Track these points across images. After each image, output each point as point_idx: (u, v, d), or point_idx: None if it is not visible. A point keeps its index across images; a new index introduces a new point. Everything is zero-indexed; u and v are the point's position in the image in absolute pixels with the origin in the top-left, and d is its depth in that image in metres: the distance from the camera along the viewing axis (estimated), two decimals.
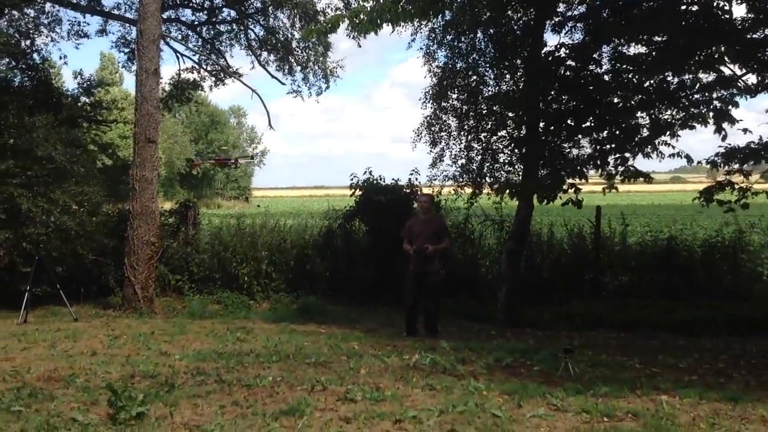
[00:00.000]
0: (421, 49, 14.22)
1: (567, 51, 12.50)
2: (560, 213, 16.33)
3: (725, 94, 12.24)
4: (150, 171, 13.85)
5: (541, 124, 12.38)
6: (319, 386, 6.53)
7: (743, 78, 12.11)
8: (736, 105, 12.07)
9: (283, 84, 20.10)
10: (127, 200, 15.67)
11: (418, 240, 10.65)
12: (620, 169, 12.42)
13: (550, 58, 12.49)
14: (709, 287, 14.40)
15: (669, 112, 12.39)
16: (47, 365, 7.63)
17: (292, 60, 20.26)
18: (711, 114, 11.95)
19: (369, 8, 9.23)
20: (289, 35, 19.86)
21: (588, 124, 12.45)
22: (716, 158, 12.09)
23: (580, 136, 12.09)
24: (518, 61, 13.34)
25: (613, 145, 12.39)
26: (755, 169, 12.87)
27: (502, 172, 13.37)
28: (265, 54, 20.61)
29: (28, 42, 15.43)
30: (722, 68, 12.10)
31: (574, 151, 12.30)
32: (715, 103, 12.14)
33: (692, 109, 12.10)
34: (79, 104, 16.15)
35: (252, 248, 16.51)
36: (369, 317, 12.87)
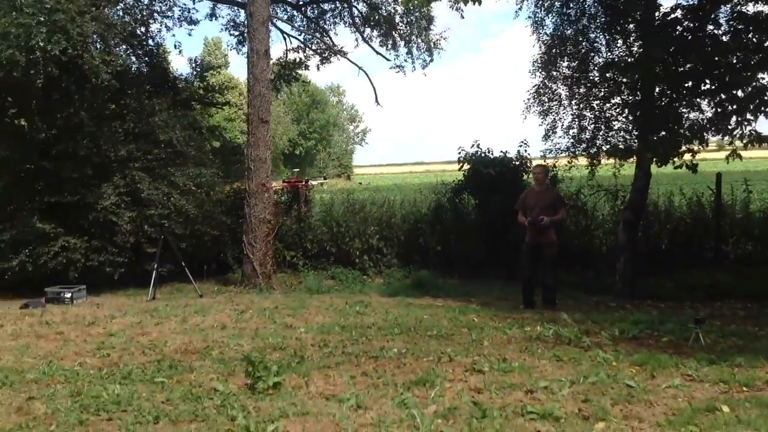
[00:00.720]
0: (529, 17, 13.97)
1: (683, 12, 12.00)
2: (677, 181, 15.86)
3: None
4: (264, 150, 14.17)
5: (658, 89, 11.96)
6: (445, 358, 6.58)
7: None
8: None
9: (388, 60, 20.06)
10: (240, 180, 16.16)
11: (533, 212, 10.54)
12: (743, 132, 11.88)
13: (666, 20, 12.04)
14: None
15: None
16: (182, 339, 7.95)
17: (396, 35, 20.25)
18: None
19: None
20: (392, 10, 19.86)
21: (707, 86, 11.96)
22: None
23: (699, 99, 11.61)
24: (631, 26, 12.93)
25: (734, 107, 11.87)
26: None
27: (618, 140, 13.02)
28: (368, 30, 20.69)
29: (143, 29, 15.89)
30: None
31: (693, 115, 11.79)
32: None
33: None
34: (193, 88, 16.54)
35: (363, 223, 16.70)
36: (482, 291, 12.82)
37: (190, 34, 24.53)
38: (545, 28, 13.84)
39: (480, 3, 9.17)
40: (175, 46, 27.27)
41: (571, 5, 13.14)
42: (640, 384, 5.50)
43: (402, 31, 20.10)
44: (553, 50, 13.62)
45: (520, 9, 13.90)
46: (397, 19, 19.73)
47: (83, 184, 13.31)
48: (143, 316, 9.71)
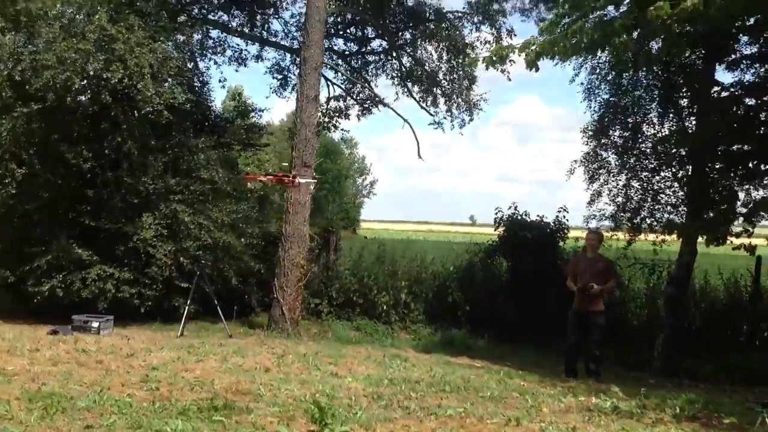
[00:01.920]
0: (582, 83, 14.01)
1: (742, 90, 11.99)
2: (714, 260, 15.67)
3: None
4: (304, 195, 14.14)
5: (712, 165, 11.89)
6: (513, 422, 6.34)
7: None
8: None
9: (432, 115, 20.11)
10: (272, 223, 16.12)
11: (583, 278, 10.37)
12: None
13: (723, 95, 12.02)
14: None
15: None
16: (229, 378, 7.74)
17: (437, 91, 20.37)
18: None
19: (540, 41, 9.13)
20: (435, 67, 20.01)
21: (763, 167, 11.88)
22: None
23: (755, 180, 11.52)
24: (684, 101, 12.93)
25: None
26: None
27: (664, 213, 12.92)
28: (408, 85, 20.83)
29: (190, 65, 16.01)
30: None
31: (748, 194, 11.69)
32: None
33: None
34: (234, 126, 16.59)
35: (392, 277, 16.58)
36: (517, 355, 12.61)
37: (237, 70, 24.74)
38: (598, 96, 13.84)
39: (537, 68, 9.20)
40: (219, 80, 27.53)
41: (625, 75, 13.12)
42: None
43: (445, 89, 20.20)
44: (605, 119, 13.59)
45: (576, 74, 13.94)
46: (441, 75, 19.84)
47: (124, 214, 13.24)
48: (180, 352, 9.51)
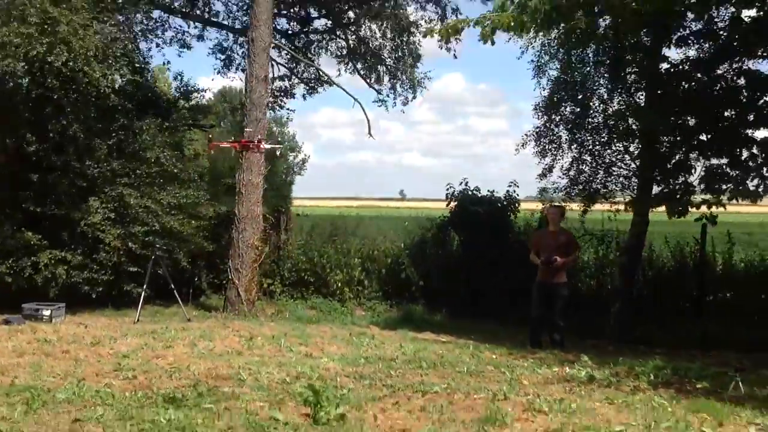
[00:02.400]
0: (532, 61, 14.09)
1: (691, 66, 12.22)
2: (661, 229, 16.03)
3: None
4: (256, 176, 13.95)
5: (665, 138, 12.12)
6: (500, 395, 6.39)
7: None
8: None
9: (379, 93, 19.97)
10: (221, 204, 15.85)
11: (547, 252, 10.50)
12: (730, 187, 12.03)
13: (672, 71, 12.25)
14: None
15: None
16: (204, 364, 7.61)
17: (381, 69, 20.23)
18: None
19: (495, 15, 9.15)
20: (380, 45, 19.85)
21: (704, 139, 12.14)
22: None
23: (705, 151, 11.80)
24: (633, 76, 13.14)
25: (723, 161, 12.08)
26: None
27: (616, 185, 13.17)
28: (352, 63, 20.62)
29: (131, 46, 15.53)
30: None
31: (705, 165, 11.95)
32: None
33: None
34: (177, 107, 16.16)
35: (345, 255, 16.52)
36: (476, 329, 12.66)
37: (179, 55, 24.05)
38: (547, 73, 13.96)
39: (493, 42, 9.22)
40: (164, 63, 26.83)
41: (574, 52, 13.25)
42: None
43: (389, 67, 20.08)
44: (555, 96, 13.73)
45: (523, 53, 14.02)
46: (385, 54, 19.71)
47: (70, 198, 12.83)
48: (146, 338, 9.33)
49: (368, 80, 20.54)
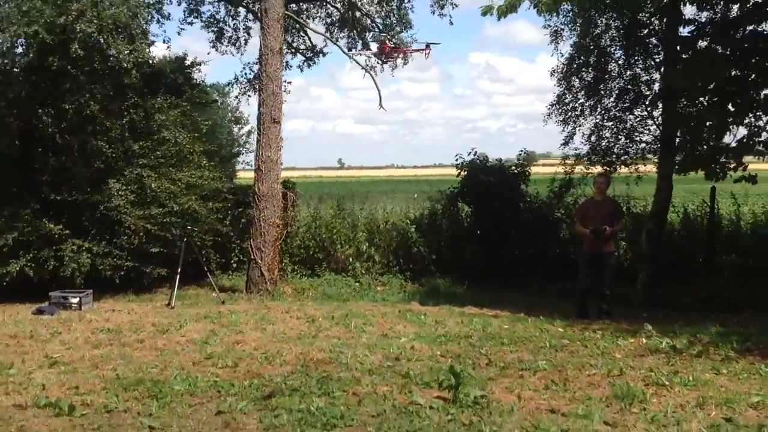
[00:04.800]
0: (548, 26, 14.08)
1: (713, 29, 12.31)
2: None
3: None
4: (275, 152, 13.72)
5: (698, 101, 12.23)
6: (615, 371, 6.45)
7: None
8: None
9: (359, 63, 19.70)
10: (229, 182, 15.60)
11: (594, 221, 10.56)
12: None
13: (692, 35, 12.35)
14: None
15: None
16: (294, 348, 7.52)
17: (367, 37, 20.02)
18: None
19: None
20: (370, 11, 19.65)
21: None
22: None
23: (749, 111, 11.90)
24: (653, 39, 13.23)
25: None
26: None
27: (638, 152, 13.32)
28: (336, 31, 20.34)
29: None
30: None
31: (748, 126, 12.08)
32: None
33: None
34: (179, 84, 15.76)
35: (352, 229, 16.46)
36: (507, 300, 12.64)
37: (179, 33, 23.15)
38: (564, 39, 13.99)
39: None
40: (164, 41, 26.08)
41: (595, 15, 13.25)
42: None
43: (375, 34, 19.87)
44: (574, 63, 13.76)
45: (550, 19, 13.95)
46: (378, 20, 19.51)
47: (89, 182, 12.50)
48: (208, 324, 9.20)
49: (353, 48, 20.27)
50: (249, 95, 19.47)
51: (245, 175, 20.39)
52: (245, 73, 19.45)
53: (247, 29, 19.17)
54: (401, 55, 13.13)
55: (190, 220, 13.69)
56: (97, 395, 5.81)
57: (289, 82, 24.07)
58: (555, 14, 13.70)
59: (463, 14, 17.04)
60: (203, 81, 16.75)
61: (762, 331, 8.75)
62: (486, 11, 9.43)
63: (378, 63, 19.07)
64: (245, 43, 19.16)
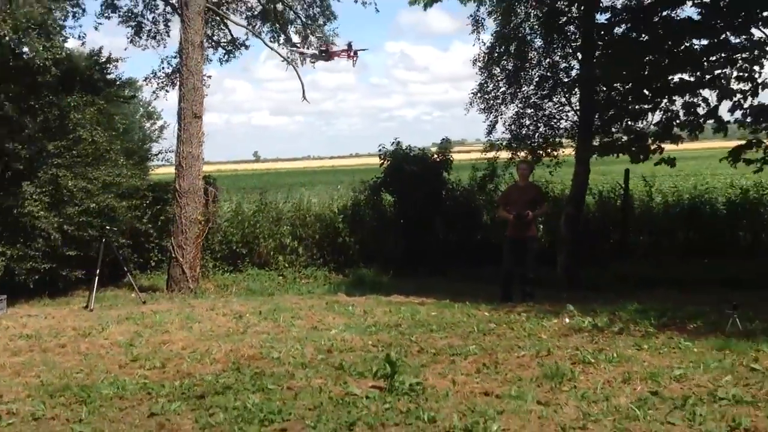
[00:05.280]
0: (470, 16, 14.22)
1: (626, 14, 12.68)
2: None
3: (752, 56, 12.62)
4: (196, 147, 13.53)
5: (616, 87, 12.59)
6: (543, 352, 6.60)
7: None
8: (761, 66, 12.52)
9: (280, 55, 19.53)
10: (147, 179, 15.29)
11: (517, 206, 10.76)
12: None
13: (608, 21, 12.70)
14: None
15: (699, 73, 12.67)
16: (224, 347, 7.41)
17: (290, 30, 19.89)
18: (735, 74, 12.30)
19: None
20: (290, 3, 19.48)
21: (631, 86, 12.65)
22: (745, 117, 12.41)
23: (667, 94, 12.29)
24: (570, 27, 13.53)
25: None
26: None
27: (557, 138, 13.64)
28: (258, 24, 20.13)
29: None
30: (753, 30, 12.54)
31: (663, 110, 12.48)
32: (741, 64, 12.49)
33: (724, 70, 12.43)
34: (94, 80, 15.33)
35: (276, 223, 16.38)
36: (433, 287, 12.74)
37: (96, 29, 22.21)
38: (486, 28, 14.20)
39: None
40: (79, 37, 24.97)
41: (514, 5, 13.47)
42: (764, 366, 5.78)
43: (300, 26, 19.76)
44: (495, 53, 13.97)
45: (478, 9, 14.08)
46: (301, 12, 19.36)
47: (2, 184, 12.07)
48: (131, 326, 8.99)
49: (275, 42, 20.09)
50: (167, 90, 19.00)
51: (162, 171, 19.95)
52: (163, 68, 18.99)
53: (167, 22, 18.70)
54: (347, 58, 13.17)
55: (107, 220, 13.35)
56: (23, 403, 5.63)
57: (209, 77, 23.64)
58: (480, 3, 13.93)
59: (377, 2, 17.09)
60: (120, 77, 16.26)
61: (677, 306, 9.08)
62: (414, 0, 9.50)
63: (312, 61, 18.97)
64: (165, 37, 18.72)
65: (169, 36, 18.88)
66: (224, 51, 19.50)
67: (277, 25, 19.33)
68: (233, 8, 19.48)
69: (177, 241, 13.45)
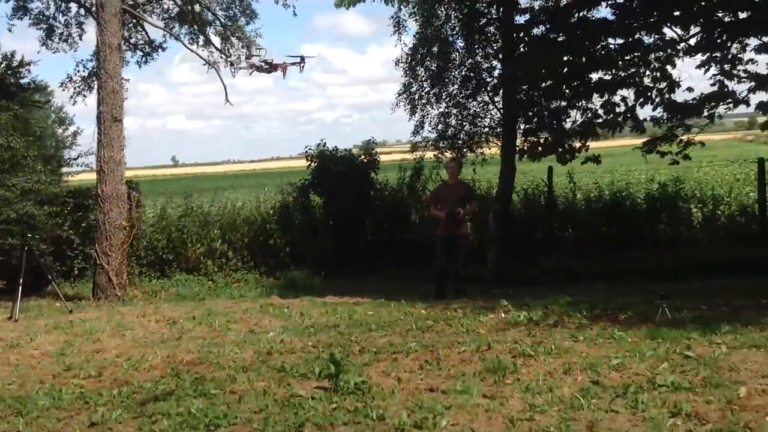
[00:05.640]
0: (392, 17, 14.27)
1: (545, 16, 12.96)
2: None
3: (665, 54, 13.10)
4: (118, 151, 13.26)
5: (523, 89, 12.86)
6: (483, 347, 6.66)
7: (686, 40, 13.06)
8: (673, 65, 13.02)
9: (202, 58, 19.31)
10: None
11: (447, 204, 10.86)
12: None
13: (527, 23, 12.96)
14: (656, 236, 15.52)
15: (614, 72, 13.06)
16: (160, 353, 7.26)
17: (209, 31, 19.66)
18: (650, 73, 12.74)
19: None
20: (208, 4, 19.25)
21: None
22: (660, 113, 12.89)
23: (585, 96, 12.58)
24: (491, 28, 13.75)
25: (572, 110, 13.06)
26: (696, 124, 13.69)
27: (482, 136, 13.83)
28: (176, 26, 19.83)
29: None
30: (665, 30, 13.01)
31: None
32: (655, 64, 12.95)
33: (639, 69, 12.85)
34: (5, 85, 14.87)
35: (204, 227, 16.17)
36: (366, 288, 12.74)
37: (10, 30, 21.26)
38: (407, 30, 14.29)
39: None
40: None
41: (436, 6, 13.59)
42: (697, 353, 5.98)
43: (220, 27, 19.54)
44: (418, 54, 14.08)
45: (399, 10, 14.11)
46: (220, 13, 19.14)
47: None
48: (61, 335, 8.71)
49: (194, 44, 19.83)
50: (85, 95, 18.49)
51: (82, 177, 19.44)
52: (79, 71, 18.48)
53: (80, 25, 18.21)
54: (281, 70, 13.15)
55: (27, 228, 12.95)
56: None
57: (128, 80, 23.17)
58: (403, 4, 13.99)
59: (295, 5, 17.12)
60: (34, 81, 15.79)
61: (607, 298, 9.32)
62: (341, 2, 9.48)
63: (249, 70, 18.79)
64: (78, 40, 18.23)
65: (82, 39, 18.41)
66: (142, 53, 19.08)
67: (196, 27, 19.03)
68: (149, 10, 19.13)
69: (102, 247, 13.15)
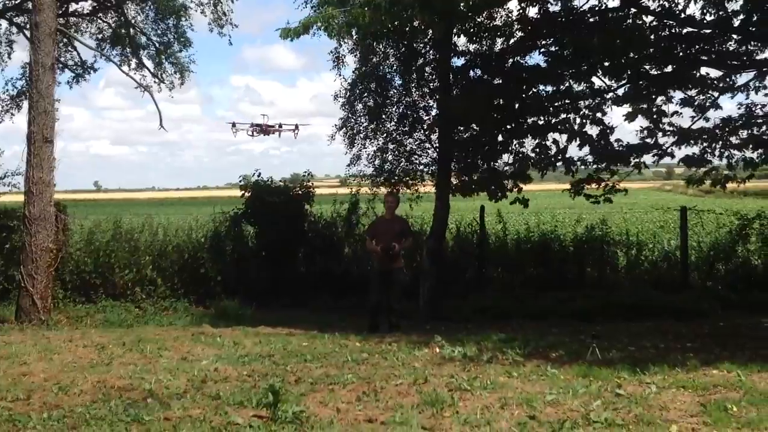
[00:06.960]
0: (331, 52, 14.39)
1: (480, 59, 13.31)
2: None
3: (594, 102, 13.60)
4: (47, 172, 12.93)
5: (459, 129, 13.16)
6: (420, 380, 6.72)
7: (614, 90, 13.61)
8: (603, 113, 13.52)
9: (135, 81, 19.13)
10: None
11: (384, 239, 10.95)
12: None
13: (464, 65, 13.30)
14: (584, 278, 15.88)
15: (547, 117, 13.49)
16: (90, 378, 7.10)
17: (143, 54, 19.54)
18: (579, 120, 13.22)
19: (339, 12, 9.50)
20: (145, 28, 19.17)
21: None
22: (588, 156, 13.37)
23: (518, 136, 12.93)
24: (427, 69, 14.02)
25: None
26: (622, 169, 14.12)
27: (417, 173, 14.03)
28: (108, 47, 19.66)
29: None
30: (594, 80, 13.54)
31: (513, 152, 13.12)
32: (585, 111, 13.44)
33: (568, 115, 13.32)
34: None
35: (134, 253, 15.85)
36: (299, 319, 12.71)
37: None
38: (346, 66, 14.43)
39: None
40: None
41: (374, 45, 13.77)
42: (628, 392, 6.16)
43: (153, 51, 19.42)
44: (357, 88, 14.23)
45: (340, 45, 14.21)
46: (154, 38, 19.02)
47: None
48: None
49: (126, 66, 19.67)
50: (13, 113, 18.06)
51: (5, 198, 18.88)
52: (7, 90, 18.07)
53: (10, 44, 17.84)
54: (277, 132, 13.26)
55: None
56: None
57: (59, 100, 22.76)
58: (346, 38, 14.10)
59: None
60: None
61: (539, 336, 9.51)
62: (286, 34, 9.52)
63: (250, 131, 18.74)
64: (7, 58, 17.86)
65: (10, 58, 18.06)
66: (73, 74, 18.80)
67: (129, 50, 18.87)
68: (82, 29, 18.91)
69: (27, 270, 12.76)
